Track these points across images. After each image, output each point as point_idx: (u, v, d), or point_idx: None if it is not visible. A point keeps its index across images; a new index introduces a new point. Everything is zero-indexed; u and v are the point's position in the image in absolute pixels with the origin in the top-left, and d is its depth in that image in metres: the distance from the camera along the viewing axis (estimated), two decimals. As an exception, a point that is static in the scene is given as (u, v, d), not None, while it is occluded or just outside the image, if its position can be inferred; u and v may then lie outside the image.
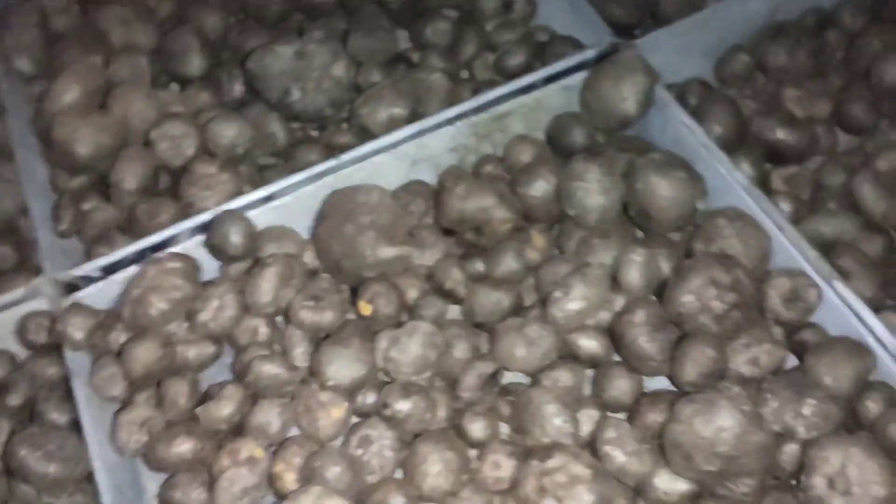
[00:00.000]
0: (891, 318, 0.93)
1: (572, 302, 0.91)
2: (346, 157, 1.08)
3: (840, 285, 0.91)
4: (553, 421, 0.86)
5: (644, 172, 0.98)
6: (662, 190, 0.97)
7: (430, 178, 1.12)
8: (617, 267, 0.95)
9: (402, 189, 1.11)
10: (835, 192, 1.04)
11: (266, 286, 0.96)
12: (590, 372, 0.96)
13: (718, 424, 0.78)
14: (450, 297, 1.02)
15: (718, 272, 0.90)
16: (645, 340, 0.89)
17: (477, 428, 0.91)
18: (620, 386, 0.92)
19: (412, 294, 1.02)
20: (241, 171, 1.13)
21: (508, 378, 0.97)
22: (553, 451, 0.83)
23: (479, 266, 1.02)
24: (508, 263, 1.01)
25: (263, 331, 0.98)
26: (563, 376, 0.92)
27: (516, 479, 0.85)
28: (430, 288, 1.03)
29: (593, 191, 0.98)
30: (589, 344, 0.94)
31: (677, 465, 0.82)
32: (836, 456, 0.80)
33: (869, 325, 0.88)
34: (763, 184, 1.07)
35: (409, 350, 0.92)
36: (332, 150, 1.11)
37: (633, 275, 0.94)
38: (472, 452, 0.90)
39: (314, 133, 1.22)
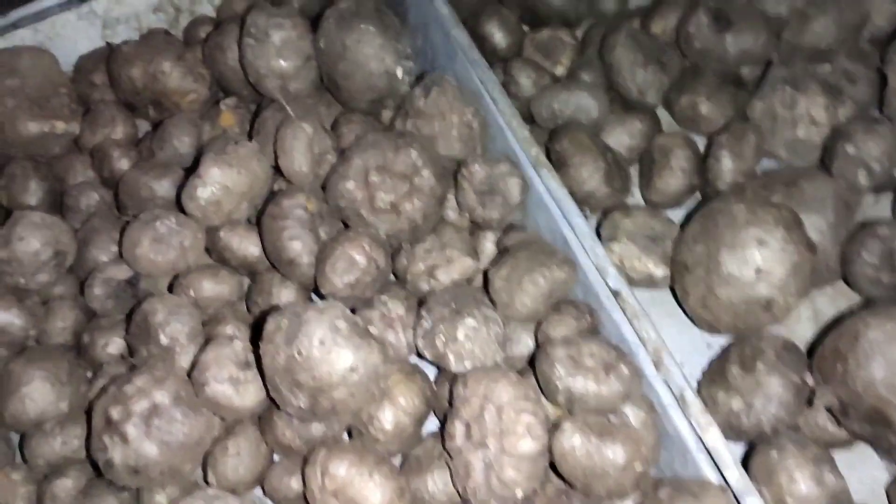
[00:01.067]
0: (618, 218, 0.71)
1: (204, 188, 0.71)
2: (14, 15, 0.88)
3: (547, 174, 0.69)
4: (159, 336, 0.68)
5: (326, 27, 0.76)
6: (344, 49, 0.75)
7: (133, 43, 0.92)
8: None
9: (88, 57, 0.90)
10: (592, 60, 0.80)
11: None
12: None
13: (298, 346, 0.58)
14: (109, 184, 0.83)
15: (388, 155, 0.69)
16: (288, 237, 0.69)
17: (100, 345, 0.73)
18: (272, 297, 0.73)
19: (74, 180, 0.84)
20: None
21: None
22: (135, 374, 0.65)
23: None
24: (174, 146, 0.81)
25: None
26: (206, 286, 0.73)
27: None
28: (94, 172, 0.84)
29: (269, 51, 0.77)
30: (238, 244, 0.74)
31: (275, 398, 0.63)
32: (477, 397, 0.60)
33: (572, 225, 0.67)
34: (517, 50, 0.84)
35: (16, 248, 0.74)
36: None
37: (293, 156, 0.73)
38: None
39: None
